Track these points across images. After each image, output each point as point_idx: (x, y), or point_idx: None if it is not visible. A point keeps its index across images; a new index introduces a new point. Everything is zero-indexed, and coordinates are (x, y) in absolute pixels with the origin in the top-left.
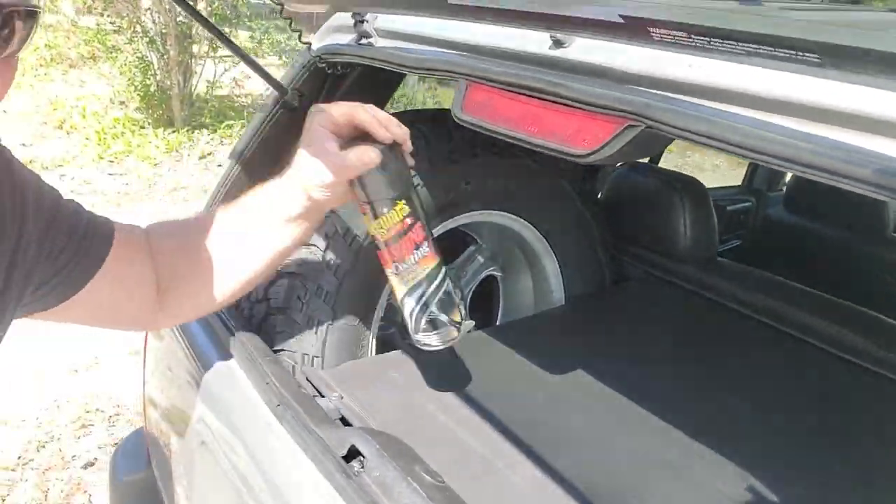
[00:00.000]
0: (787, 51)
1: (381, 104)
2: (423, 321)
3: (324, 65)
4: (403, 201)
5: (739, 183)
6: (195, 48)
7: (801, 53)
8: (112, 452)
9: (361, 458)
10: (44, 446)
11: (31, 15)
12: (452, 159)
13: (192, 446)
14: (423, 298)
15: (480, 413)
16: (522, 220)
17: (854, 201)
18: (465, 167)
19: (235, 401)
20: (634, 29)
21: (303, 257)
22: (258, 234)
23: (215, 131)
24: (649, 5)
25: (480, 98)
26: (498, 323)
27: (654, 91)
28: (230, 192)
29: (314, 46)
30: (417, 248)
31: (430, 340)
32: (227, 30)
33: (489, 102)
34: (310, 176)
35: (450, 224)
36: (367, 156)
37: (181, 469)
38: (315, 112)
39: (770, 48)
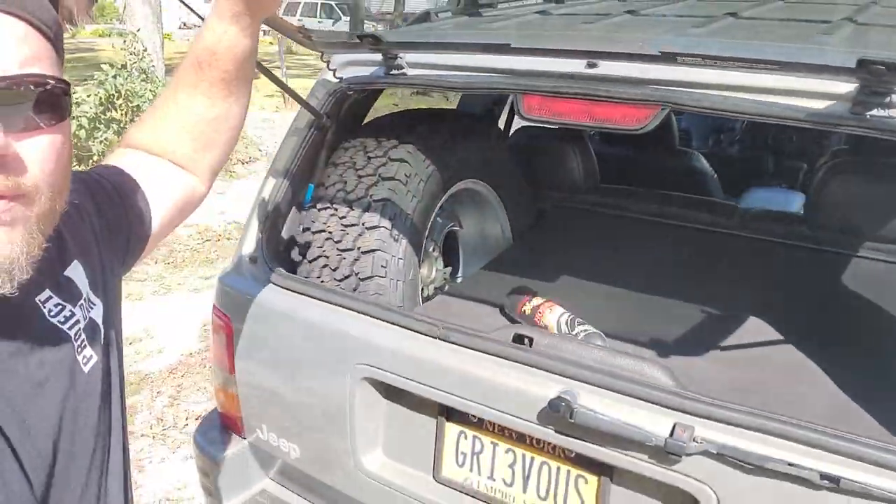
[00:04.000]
0: (745, 62)
1: (367, 108)
2: None
3: (352, 92)
4: None
5: None
6: None
7: (752, 63)
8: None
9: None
10: None
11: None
12: (445, 147)
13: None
14: None
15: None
16: (483, 182)
17: None
18: (453, 150)
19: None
20: (666, 58)
21: (379, 237)
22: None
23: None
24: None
25: (535, 103)
26: (462, 267)
27: (669, 87)
28: (275, 209)
29: (344, 77)
30: None
31: None
32: None
33: (544, 105)
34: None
35: (449, 194)
36: None
37: None
38: None
39: (741, 63)
